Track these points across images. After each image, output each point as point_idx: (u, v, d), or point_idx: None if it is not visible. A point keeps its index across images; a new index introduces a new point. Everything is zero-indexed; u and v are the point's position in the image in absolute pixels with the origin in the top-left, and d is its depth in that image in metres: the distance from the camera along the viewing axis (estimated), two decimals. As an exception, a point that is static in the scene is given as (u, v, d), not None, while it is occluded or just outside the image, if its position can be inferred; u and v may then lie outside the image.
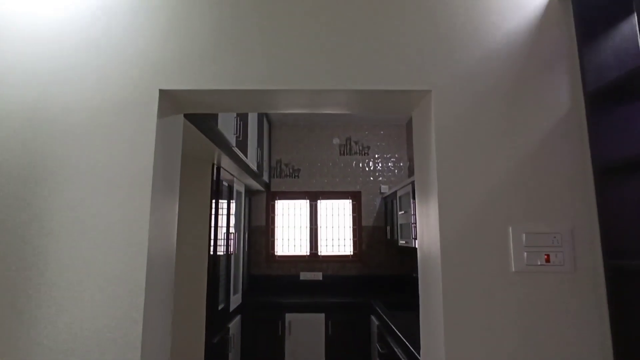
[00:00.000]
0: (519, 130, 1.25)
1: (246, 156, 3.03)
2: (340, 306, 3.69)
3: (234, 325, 3.29)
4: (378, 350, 3.04)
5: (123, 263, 1.16)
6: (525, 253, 1.20)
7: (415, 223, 3.07)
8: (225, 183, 3.03)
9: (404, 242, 3.34)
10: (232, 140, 2.51)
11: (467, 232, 1.21)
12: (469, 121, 1.25)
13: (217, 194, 2.80)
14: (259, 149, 3.57)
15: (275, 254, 4.39)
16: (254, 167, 3.37)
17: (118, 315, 1.14)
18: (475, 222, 1.21)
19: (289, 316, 3.67)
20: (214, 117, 2.06)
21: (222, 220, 2.98)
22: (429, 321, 1.29)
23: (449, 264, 1.18)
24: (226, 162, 2.77)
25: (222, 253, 2.93)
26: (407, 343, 2.24)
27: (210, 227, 2.66)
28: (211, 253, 2.65)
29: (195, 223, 2.65)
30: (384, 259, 4.33)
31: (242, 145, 2.87)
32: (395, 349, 2.53)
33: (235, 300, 3.36)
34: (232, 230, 3.18)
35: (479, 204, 1.22)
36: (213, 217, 2.73)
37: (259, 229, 4.39)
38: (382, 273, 4.30)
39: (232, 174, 3.22)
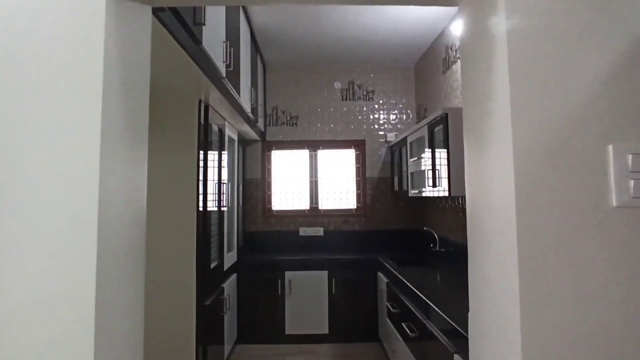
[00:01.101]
0: (622, 18, 0.85)
1: (239, 93, 2.59)
2: (343, 263, 3.42)
3: (229, 284, 3.01)
4: (388, 309, 2.79)
5: (66, 223, 0.80)
6: (632, 181, 0.84)
7: (434, 168, 2.74)
8: (215, 127, 2.61)
9: (416, 191, 3.01)
10: (222, 69, 2.07)
11: (550, 162, 0.84)
12: (553, 11, 0.85)
13: (206, 139, 2.39)
14: (253, 89, 3.12)
15: (273, 208, 4.05)
16: (247, 109, 2.94)
17: (64, 283, 0.79)
18: (562, 146, 0.84)
19: (288, 274, 3.40)
20: (198, 30, 1.61)
21: (213, 172, 2.59)
22: (490, 287, 0.95)
23: (525, 209, 0.82)
24: (216, 99, 2.34)
25: (213, 208, 2.57)
26: (428, 301, 1.96)
27: (198, 178, 2.27)
28: (200, 208, 2.28)
29: (180, 173, 2.26)
30: (390, 213, 4.03)
31: (234, 78, 2.42)
32: (411, 308, 2.26)
33: (230, 258, 3.06)
34: (224, 182, 2.80)
35: (568, 121, 0.84)
36: (202, 166, 2.34)
37: (254, 182, 4.02)
38: (388, 227, 4.01)
39: (222, 117, 2.79)
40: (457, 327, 1.58)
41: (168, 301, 2.19)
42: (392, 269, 2.83)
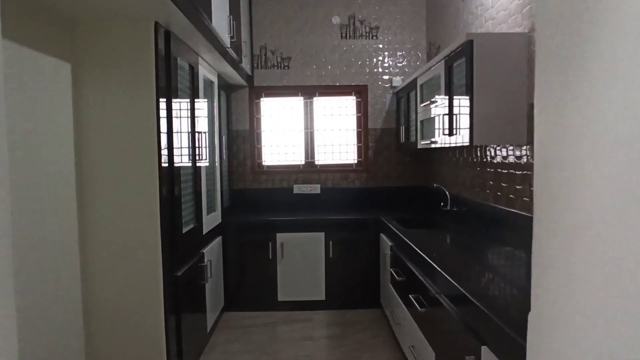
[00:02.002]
0: None
1: (210, 18, 2.07)
2: (342, 224, 3.05)
3: (212, 249, 2.65)
4: (392, 276, 2.45)
5: None
6: None
7: (452, 113, 2.27)
8: (183, 63, 2.11)
9: (427, 142, 2.56)
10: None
11: None
12: None
13: (168, 77, 1.91)
14: (232, 19, 2.58)
15: (263, 164, 3.63)
16: (226, 42, 2.42)
17: None
18: None
19: (280, 237, 3.04)
20: None
21: (183, 122, 2.14)
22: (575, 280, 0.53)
23: None
24: (180, 24, 1.84)
25: (185, 164, 2.15)
26: (440, 270, 1.59)
27: (159, 127, 1.82)
28: (164, 164, 1.85)
29: (134, 120, 1.80)
30: (394, 168, 3.60)
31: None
32: (419, 276, 1.91)
33: (212, 220, 2.68)
34: (201, 133, 2.35)
35: None
36: (164, 111, 1.88)
37: (241, 135, 3.56)
38: (392, 184, 3.60)
39: (194, 51, 2.28)
40: (476, 302, 1.20)
41: (132, 270, 1.83)
42: (397, 231, 2.46)
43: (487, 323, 1.18)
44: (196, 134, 2.28)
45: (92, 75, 1.80)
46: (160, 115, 1.83)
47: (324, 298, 3.08)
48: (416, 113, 2.85)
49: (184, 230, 2.10)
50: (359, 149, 3.62)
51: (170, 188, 1.91)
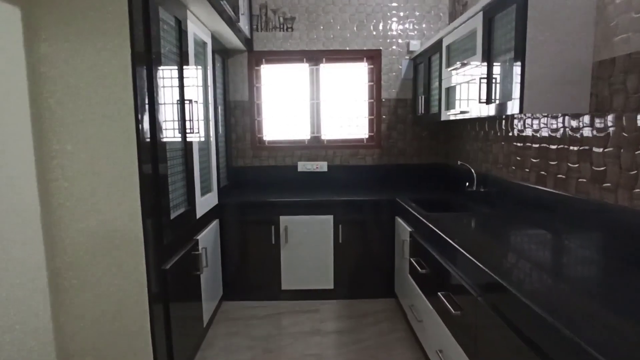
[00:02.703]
0: None
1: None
2: (353, 205, 2.73)
3: (208, 234, 2.35)
4: (413, 266, 2.16)
5: None
6: None
7: (491, 77, 1.90)
8: (168, 15, 1.74)
9: (453, 112, 2.21)
10: None
11: None
12: None
13: (147, 30, 1.54)
14: (225, -34, 2.17)
15: (264, 138, 3.28)
16: (217, -8, 2.03)
17: None
18: None
19: (284, 220, 2.73)
20: None
21: (168, 90, 1.79)
22: None
23: None
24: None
25: (172, 138, 1.81)
26: (492, 274, 1.28)
27: (136, 94, 1.47)
28: (144, 139, 1.52)
29: (99, 82, 1.45)
30: (409, 144, 3.25)
31: None
32: (452, 272, 1.60)
33: (207, 202, 2.36)
34: (192, 102, 2.00)
35: None
36: (141, 73, 1.53)
37: (240, 106, 3.19)
38: (407, 162, 3.27)
39: (181, 1, 1.90)
40: (543, 314, 0.90)
41: (109, 266, 1.53)
42: (418, 215, 2.14)
43: (557, 340, 0.88)
44: (186, 103, 1.93)
45: (49, 24, 1.43)
46: (138, 78, 1.48)
47: (332, 287, 2.81)
48: (440, 80, 2.48)
49: (173, 215, 1.78)
50: (371, 122, 3.26)
51: (153, 167, 1.58)
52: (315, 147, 3.24)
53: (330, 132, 3.26)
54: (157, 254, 1.62)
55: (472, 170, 2.53)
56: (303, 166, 3.23)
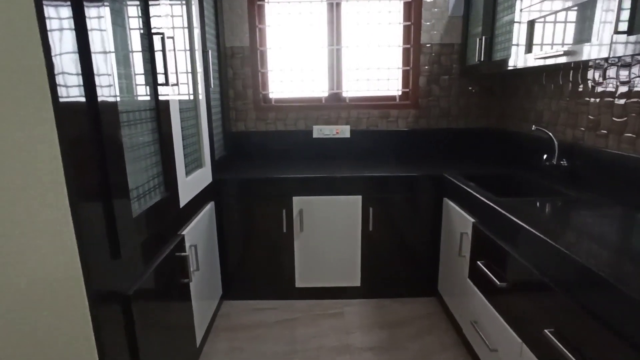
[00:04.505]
0: None
1: None
2: (387, 183, 2.11)
3: (199, 226, 1.75)
4: (479, 271, 1.57)
5: None
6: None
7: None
8: None
9: (546, 54, 1.53)
10: None
11: None
12: None
13: None
14: None
15: (270, 96, 2.61)
16: None
17: None
18: None
19: (298, 201, 2.12)
20: None
21: (121, 25, 1.11)
22: None
23: None
24: None
25: (129, 97, 1.16)
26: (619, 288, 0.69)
27: (45, 34, 0.81)
28: (67, 98, 0.86)
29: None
30: (455, 102, 2.57)
31: None
32: (564, 298, 1.01)
33: (196, 182, 1.73)
34: (164, 37, 1.33)
35: None
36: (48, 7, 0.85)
37: (238, 54, 2.49)
38: (452, 126, 2.60)
39: None
40: None
41: (24, 312, 0.94)
42: (486, 200, 1.53)
43: None
44: (154, 39, 1.26)
45: None
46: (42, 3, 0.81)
47: (358, 284, 2.25)
48: (517, 10, 1.77)
49: (139, 209, 1.17)
50: (406, 74, 2.57)
51: (91, 140, 0.95)
52: (335, 107, 2.56)
53: (354, 88, 2.58)
54: (109, 279, 1.02)
55: (553, 138, 1.87)
56: (319, 131, 2.58)
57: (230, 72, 2.50)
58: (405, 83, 2.57)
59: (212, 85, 1.90)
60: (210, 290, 1.94)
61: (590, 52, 1.30)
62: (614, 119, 1.59)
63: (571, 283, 1.03)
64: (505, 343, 1.39)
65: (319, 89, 2.57)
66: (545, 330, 1.10)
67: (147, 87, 1.25)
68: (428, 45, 2.47)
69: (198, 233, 1.73)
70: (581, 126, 1.78)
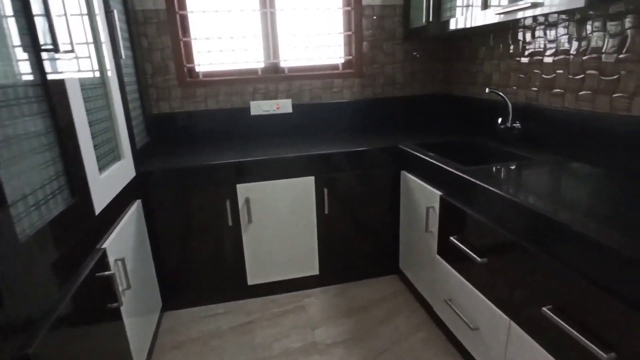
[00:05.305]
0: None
1: None
2: (339, 160, 1.92)
3: (124, 233, 1.41)
4: (453, 247, 1.48)
5: None
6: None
7: None
8: None
9: (514, 6, 1.41)
10: None
11: None
12: None
13: None
14: None
15: (197, 70, 2.24)
16: None
17: None
18: None
19: (243, 189, 1.85)
20: None
21: None
22: None
23: None
24: None
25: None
26: None
27: None
28: None
29: None
30: (400, 69, 2.43)
31: None
32: (560, 272, 0.93)
33: (114, 179, 1.38)
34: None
35: None
36: None
37: (152, 18, 2.07)
38: (399, 94, 2.47)
39: None
40: None
41: None
42: (453, 170, 1.42)
43: None
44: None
45: None
46: None
47: (317, 272, 2.07)
48: (468, -38, 1.63)
49: (30, 227, 0.83)
50: (348, 40, 2.36)
51: None
52: (273, 79, 2.28)
53: (293, 56, 2.31)
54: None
55: (507, 100, 1.81)
56: (258, 107, 2.29)
57: (144, 42, 2.07)
58: (347, 50, 2.37)
59: (122, 56, 1.52)
60: (147, 305, 1.62)
61: (561, 1, 1.19)
62: (570, 76, 1.54)
63: (562, 250, 0.94)
64: (488, 321, 1.31)
65: (254, 60, 2.26)
66: (544, 309, 1.01)
67: (32, 65, 0.88)
68: (369, 6, 2.27)
69: (124, 242, 1.40)
70: (534, 86, 1.74)
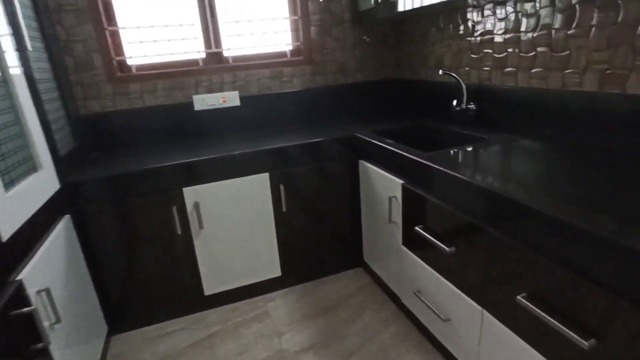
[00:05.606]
0: None
1: None
2: (295, 154, 1.80)
3: (46, 259, 1.20)
4: (413, 235, 1.42)
5: None
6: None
7: None
8: None
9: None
10: None
11: None
12: None
13: None
14: None
15: (129, 63, 2.00)
16: None
17: None
18: None
19: (191, 192, 1.68)
20: None
21: None
22: None
23: None
24: None
25: None
26: None
27: None
28: None
29: None
30: (351, 54, 2.33)
31: None
32: (536, 257, 0.89)
33: (29, 194, 1.16)
34: None
35: None
36: None
37: (68, 6, 1.81)
38: (351, 81, 2.37)
39: None
40: None
41: None
42: (415, 157, 1.35)
43: None
44: None
45: None
46: None
47: (279, 273, 1.95)
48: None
49: None
50: (295, 25, 2.22)
51: None
52: (217, 70, 2.10)
53: (237, 45, 2.14)
54: None
55: (461, 82, 1.77)
56: (202, 102, 2.11)
57: (61, 32, 1.81)
58: (295, 36, 2.23)
59: (28, 47, 1.28)
60: (87, 334, 1.42)
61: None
62: (521, 54, 1.52)
63: (529, 234, 0.89)
64: (460, 312, 1.26)
65: (193, 49, 2.06)
66: (518, 297, 0.96)
67: None
68: (315, -11, 2.15)
69: (49, 268, 1.19)
70: (486, 66, 1.71)
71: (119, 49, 1.95)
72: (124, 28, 1.93)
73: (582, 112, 1.30)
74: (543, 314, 0.89)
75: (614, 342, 0.77)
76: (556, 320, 0.87)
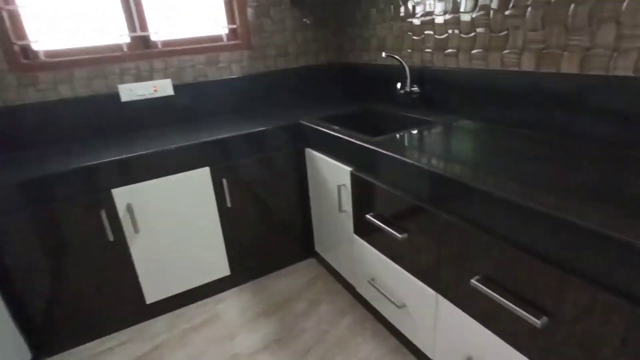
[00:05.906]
0: None
1: None
2: (236, 145, 1.68)
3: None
4: (365, 224, 1.38)
5: None
6: None
7: None
8: None
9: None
10: None
11: None
12: None
13: None
14: None
15: (34, 48, 1.74)
16: None
17: None
18: None
19: (121, 194, 1.51)
20: None
21: None
22: None
23: None
24: None
25: None
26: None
27: None
28: None
29: None
30: (291, 38, 2.23)
31: None
32: (482, 242, 0.89)
33: None
34: None
35: None
36: None
37: (-48, -19, 1.52)
38: (292, 65, 2.27)
39: None
40: None
41: None
42: (363, 143, 1.31)
43: None
44: None
45: None
46: None
47: (228, 272, 1.84)
48: None
49: None
50: (229, 6, 2.06)
51: None
52: (144, 55, 1.90)
53: (166, 27, 1.94)
54: None
55: (404, 64, 1.75)
56: (130, 92, 1.90)
57: (-57, 13, 1.52)
58: (230, 18, 2.08)
59: None
60: (14, 350, 1.23)
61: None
62: (462, 35, 1.52)
63: (481, 216, 0.88)
64: (414, 297, 1.25)
65: (115, 33, 1.84)
66: (472, 281, 0.96)
67: None
68: (248, -34, 2.00)
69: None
70: (428, 48, 1.70)
71: (20, 32, 1.68)
72: (25, 7, 1.66)
73: (521, 91, 1.33)
74: (497, 296, 0.89)
75: (564, 318, 0.79)
76: (509, 301, 0.87)
